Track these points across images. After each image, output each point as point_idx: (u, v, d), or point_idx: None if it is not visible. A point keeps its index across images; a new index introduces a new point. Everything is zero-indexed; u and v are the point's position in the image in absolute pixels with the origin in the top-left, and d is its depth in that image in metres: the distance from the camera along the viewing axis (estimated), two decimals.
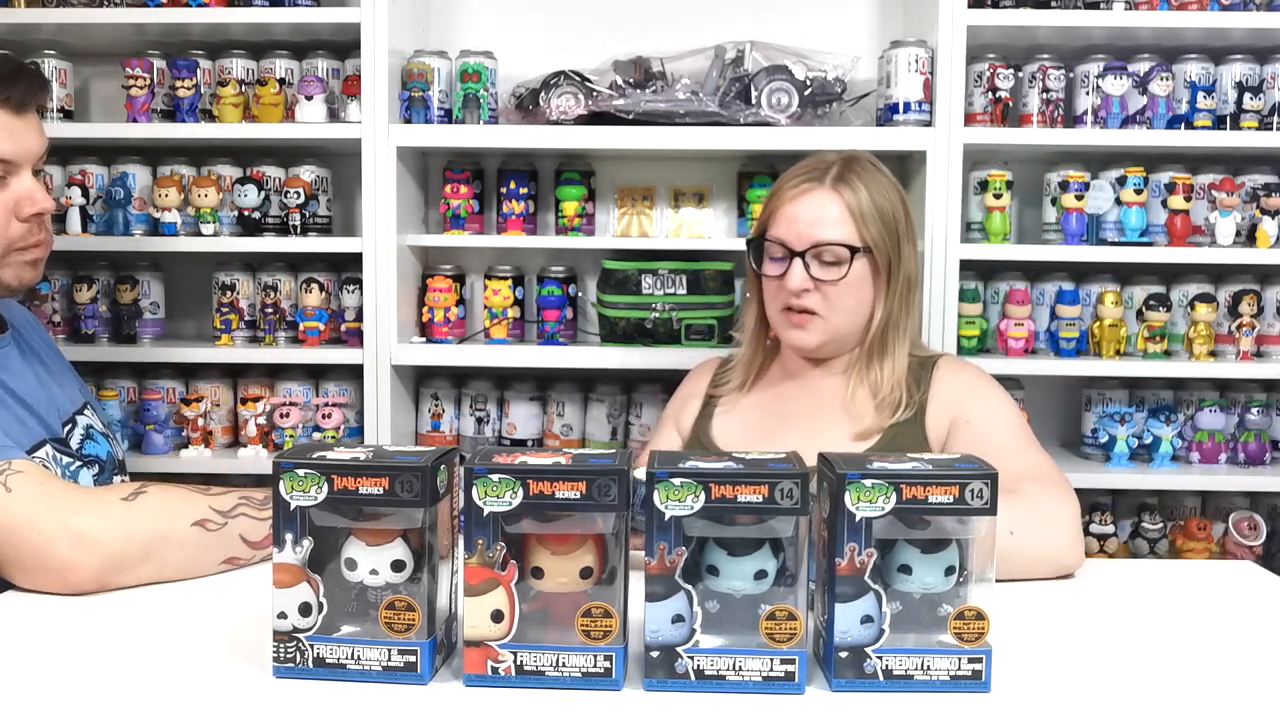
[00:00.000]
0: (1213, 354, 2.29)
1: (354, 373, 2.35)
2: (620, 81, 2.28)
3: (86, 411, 1.55)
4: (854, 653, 0.92)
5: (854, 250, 1.53)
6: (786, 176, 1.60)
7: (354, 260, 2.31)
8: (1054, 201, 2.35)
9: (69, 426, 1.49)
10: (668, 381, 2.42)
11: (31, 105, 1.39)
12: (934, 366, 1.61)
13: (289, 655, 0.94)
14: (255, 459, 2.30)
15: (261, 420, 2.34)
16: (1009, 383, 2.17)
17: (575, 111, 2.25)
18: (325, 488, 0.93)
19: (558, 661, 0.93)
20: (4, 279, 1.40)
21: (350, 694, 0.92)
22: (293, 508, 0.93)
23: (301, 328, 2.37)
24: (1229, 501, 2.39)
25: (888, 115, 2.27)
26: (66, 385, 1.55)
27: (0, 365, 1.42)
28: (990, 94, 2.28)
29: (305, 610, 0.94)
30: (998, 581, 1.20)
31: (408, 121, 2.28)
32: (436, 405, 2.46)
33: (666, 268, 2.30)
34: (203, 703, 0.92)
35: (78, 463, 1.45)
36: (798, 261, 1.53)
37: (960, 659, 0.93)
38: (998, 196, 2.27)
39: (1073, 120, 2.34)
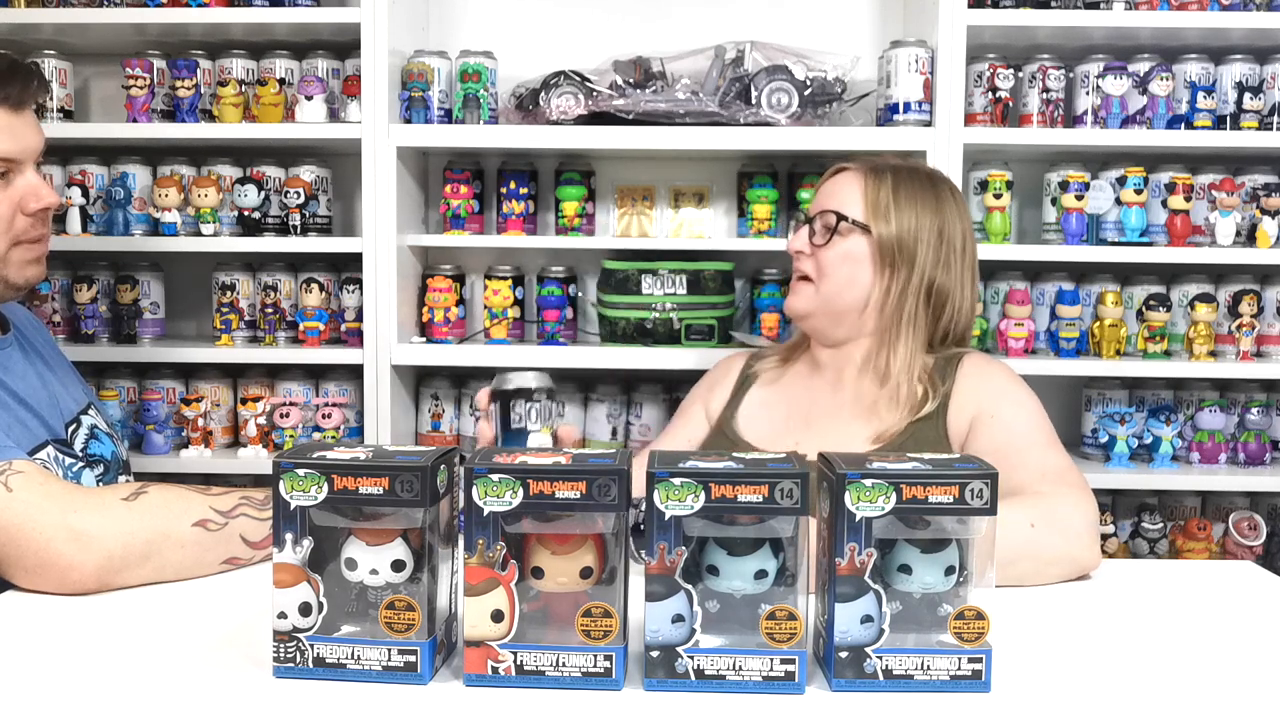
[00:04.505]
0: (1213, 354, 2.29)
1: (354, 373, 2.35)
2: (620, 81, 2.27)
3: (90, 411, 1.55)
4: (854, 652, 0.93)
5: (843, 218, 1.59)
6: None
7: (354, 260, 2.31)
8: (1054, 201, 2.35)
9: (73, 427, 1.48)
10: (668, 382, 2.42)
11: (30, 102, 1.39)
12: (959, 363, 1.61)
13: (289, 655, 0.94)
14: (255, 459, 2.30)
15: (261, 420, 2.34)
16: None
17: (575, 111, 2.25)
18: (325, 487, 0.93)
19: (558, 661, 0.93)
20: (10, 278, 1.40)
21: (350, 694, 0.92)
22: (293, 507, 0.93)
23: (301, 328, 2.37)
24: (1229, 501, 2.39)
25: (888, 115, 2.27)
26: (70, 386, 1.54)
27: (1, 366, 1.41)
28: (990, 94, 2.28)
29: (305, 610, 0.94)
30: (1010, 585, 1.21)
31: (408, 121, 2.28)
32: (436, 405, 2.46)
33: (667, 268, 2.30)
34: (203, 703, 0.92)
35: (81, 463, 1.45)
36: (805, 226, 1.63)
37: (960, 659, 0.93)
38: (998, 196, 2.27)
39: (1073, 120, 2.34)
